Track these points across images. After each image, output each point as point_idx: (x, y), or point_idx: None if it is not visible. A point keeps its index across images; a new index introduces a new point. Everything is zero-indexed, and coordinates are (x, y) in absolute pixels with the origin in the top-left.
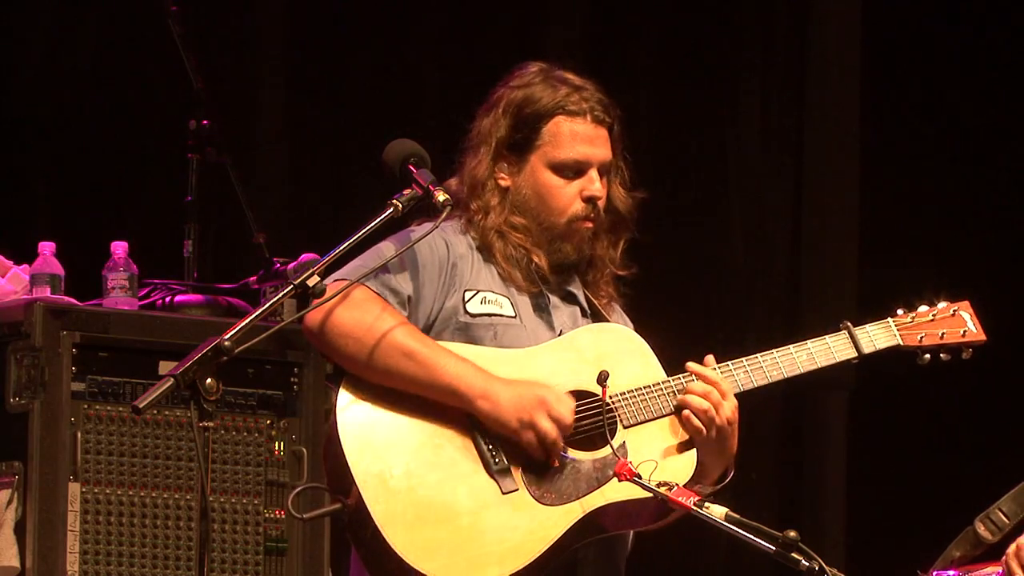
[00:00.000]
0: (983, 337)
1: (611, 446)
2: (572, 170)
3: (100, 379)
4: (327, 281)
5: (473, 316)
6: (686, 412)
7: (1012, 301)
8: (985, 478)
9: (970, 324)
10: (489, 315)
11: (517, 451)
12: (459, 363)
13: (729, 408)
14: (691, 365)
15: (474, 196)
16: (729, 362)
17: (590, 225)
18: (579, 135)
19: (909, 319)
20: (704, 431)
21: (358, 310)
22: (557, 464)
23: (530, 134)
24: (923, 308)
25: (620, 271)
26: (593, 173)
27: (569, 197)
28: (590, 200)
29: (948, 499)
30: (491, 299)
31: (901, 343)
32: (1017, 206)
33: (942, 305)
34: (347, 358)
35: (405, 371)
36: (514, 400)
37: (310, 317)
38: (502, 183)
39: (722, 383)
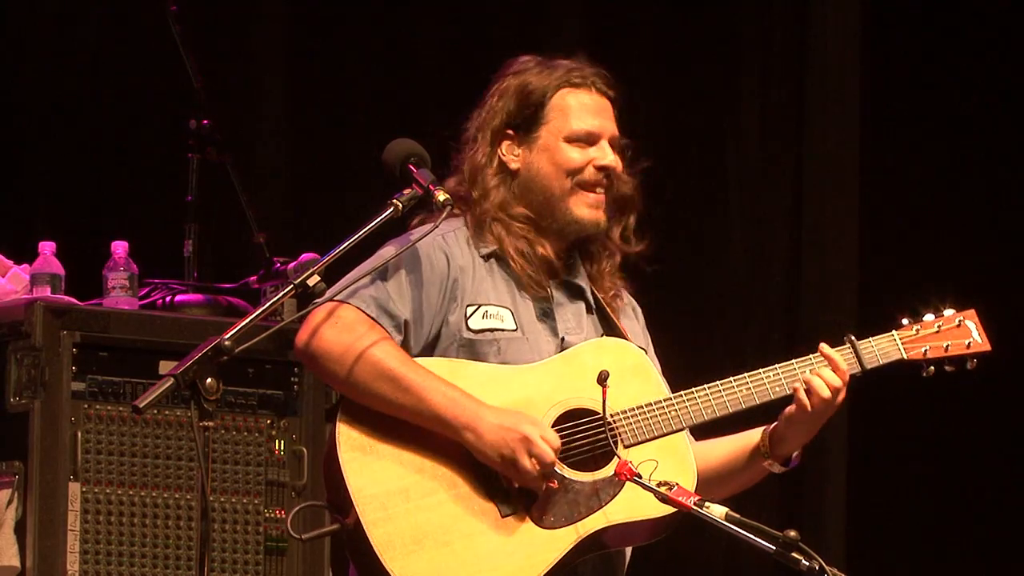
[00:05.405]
0: (988, 347)
1: (616, 453)
2: (585, 141)
3: (100, 379)
4: (330, 291)
5: (476, 332)
6: (802, 393)
7: (1015, 305)
8: (986, 479)
9: (975, 335)
10: (491, 330)
11: None
12: (446, 391)
13: (840, 400)
14: (824, 348)
15: (474, 184)
16: (731, 378)
17: (598, 195)
18: (586, 106)
19: (914, 331)
20: (810, 412)
21: (346, 333)
22: (557, 486)
23: (537, 111)
24: (929, 317)
25: (630, 249)
26: (604, 144)
27: (581, 164)
28: (602, 169)
29: (949, 499)
30: (492, 313)
31: (905, 357)
32: (1020, 209)
33: (948, 314)
34: (335, 381)
35: (390, 397)
36: (497, 436)
37: (299, 339)
38: (512, 165)
39: (847, 376)
